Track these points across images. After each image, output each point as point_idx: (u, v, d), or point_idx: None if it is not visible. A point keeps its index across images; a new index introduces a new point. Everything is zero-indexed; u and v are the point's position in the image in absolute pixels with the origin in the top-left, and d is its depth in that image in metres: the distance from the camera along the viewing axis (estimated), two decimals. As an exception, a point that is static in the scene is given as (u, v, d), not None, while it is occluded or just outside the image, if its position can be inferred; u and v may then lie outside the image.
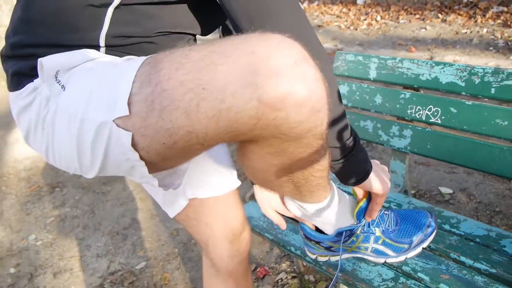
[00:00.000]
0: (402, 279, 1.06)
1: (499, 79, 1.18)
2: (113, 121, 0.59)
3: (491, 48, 3.52)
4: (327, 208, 0.94)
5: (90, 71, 0.66)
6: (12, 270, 2.20)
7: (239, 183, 1.06)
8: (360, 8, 5.72)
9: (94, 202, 2.63)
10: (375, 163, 0.95)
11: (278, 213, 1.07)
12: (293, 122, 0.53)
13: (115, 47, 0.72)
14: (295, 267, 1.81)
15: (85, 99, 0.63)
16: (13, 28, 0.73)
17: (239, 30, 0.66)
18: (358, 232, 1.03)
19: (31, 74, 0.70)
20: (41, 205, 2.73)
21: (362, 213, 1.01)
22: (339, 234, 1.02)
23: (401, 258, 1.08)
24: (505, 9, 4.24)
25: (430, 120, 1.33)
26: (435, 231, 1.10)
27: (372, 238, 1.05)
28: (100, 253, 2.18)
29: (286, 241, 1.28)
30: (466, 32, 3.99)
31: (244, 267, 1.13)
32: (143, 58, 0.62)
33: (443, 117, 1.30)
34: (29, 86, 0.70)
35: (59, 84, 0.65)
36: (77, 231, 2.39)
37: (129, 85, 0.58)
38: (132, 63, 0.61)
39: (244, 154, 0.68)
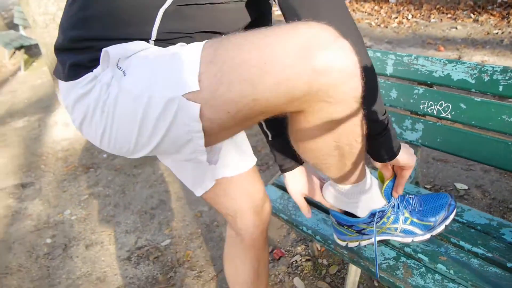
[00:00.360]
0: (403, 259, 1.15)
1: (507, 77, 1.25)
2: (183, 96, 0.70)
3: (522, 50, 3.51)
4: (364, 189, 1.04)
5: (147, 58, 0.76)
6: (48, 241, 2.38)
7: (256, 160, 1.16)
8: (392, 6, 5.72)
9: (125, 183, 2.79)
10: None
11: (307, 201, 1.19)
12: (337, 85, 0.68)
13: (162, 41, 0.83)
14: (309, 250, 1.91)
15: (149, 80, 0.73)
16: (71, 24, 0.81)
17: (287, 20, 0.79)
18: (389, 213, 1.12)
19: (89, 65, 0.79)
20: (76, 183, 2.91)
21: (389, 192, 1.10)
22: (372, 215, 1.10)
23: (427, 236, 1.15)
24: (540, 10, 4.20)
25: (441, 115, 1.40)
26: (455, 209, 1.18)
27: (401, 218, 1.13)
28: (129, 229, 2.33)
29: (299, 221, 1.38)
30: (497, 33, 3.97)
31: (264, 237, 1.24)
32: (201, 43, 0.73)
33: (453, 112, 1.37)
34: (88, 76, 0.78)
35: (121, 70, 0.75)
36: (108, 208, 2.55)
37: (197, 64, 0.70)
38: (191, 48, 0.73)
39: (296, 128, 0.80)
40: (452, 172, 2.20)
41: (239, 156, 1.11)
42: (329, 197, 1.09)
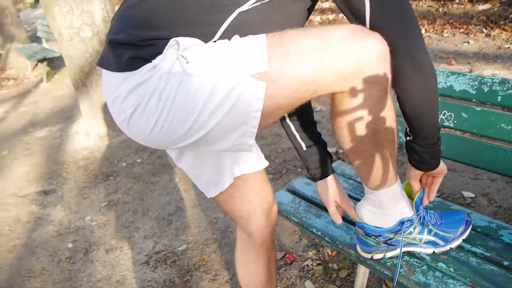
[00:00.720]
0: (406, 257, 1.23)
1: (505, 88, 1.32)
2: (252, 76, 0.83)
3: (533, 63, 3.56)
4: (397, 195, 1.14)
5: (210, 47, 0.86)
6: (70, 245, 2.49)
7: (267, 163, 1.25)
8: (405, 20, 5.80)
9: (144, 190, 2.90)
10: None
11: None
12: (377, 66, 0.86)
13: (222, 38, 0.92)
14: (320, 255, 1.99)
15: (215, 66, 0.83)
16: (136, 24, 0.88)
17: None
18: (416, 224, 1.20)
19: (148, 58, 0.85)
20: (97, 191, 3.03)
21: (419, 204, 1.18)
22: (400, 223, 1.18)
23: (447, 247, 1.23)
24: (552, 25, 4.25)
25: (444, 124, 1.48)
26: (471, 225, 1.26)
27: (426, 230, 1.21)
28: (147, 235, 2.43)
29: (309, 224, 1.46)
30: (508, 47, 4.03)
31: (272, 238, 1.33)
32: (261, 34, 0.87)
33: (455, 121, 1.45)
34: (147, 66, 0.85)
35: (185, 59, 0.83)
36: (127, 215, 2.66)
37: (264, 49, 0.84)
38: (254, 37, 0.86)
39: (340, 110, 0.95)
40: (460, 181, 2.26)
41: (256, 155, 1.20)
42: (364, 213, 1.19)
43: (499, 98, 1.34)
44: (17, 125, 4.91)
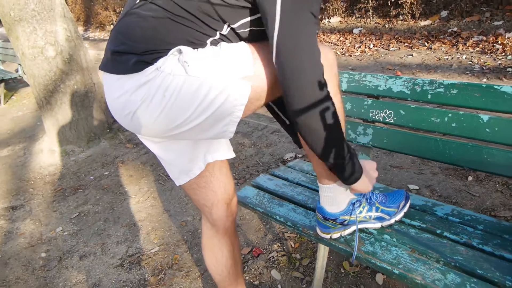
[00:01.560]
0: (357, 233, 1.43)
1: (433, 88, 1.57)
2: (241, 78, 1.09)
3: (468, 72, 3.92)
4: (342, 185, 1.35)
5: (206, 54, 1.08)
6: (43, 255, 2.56)
7: (234, 154, 1.44)
8: (355, 37, 6.17)
9: (113, 200, 3.01)
10: (365, 165, 1.36)
11: None
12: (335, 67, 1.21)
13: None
14: (284, 247, 2.17)
15: (211, 68, 1.06)
16: (142, 38, 1.06)
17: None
18: (364, 203, 1.41)
19: (151, 62, 1.05)
20: (66, 203, 3.11)
21: None
22: (351, 204, 1.39)
23: (392, 221, 1.45)
24: (484, 38, 4.67)
25: (386, 121, 1.71)
26: (410, 200, 1.50)
27: (373, 208, 1.43)
28: (120, 240, 2.54)
29: (273, 212, 1.65)
30: (447, 58, 4.41)
31: (233, 226, 1.50)
32: (244, 43, 1.13)
33: (395, 118, 1.68)
34: (151, 68, 1.05)
35: (187, 63, 1.04)
36: (99, 223, 2.76)
37: (249, 57, 1.11)
38: (240, 46, 1.12)
39: None
40: (406, 176, 2.52)
41: (226, 145, 1.38)
42: (322, 201, 1.40)
43: (429, 96, 1.58)
44: (-23, 146, 4.88)
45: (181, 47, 1.06)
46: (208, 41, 1.12)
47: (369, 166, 1.38)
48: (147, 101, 1.07)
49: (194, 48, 1.08)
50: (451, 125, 1.53)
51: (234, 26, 1.12)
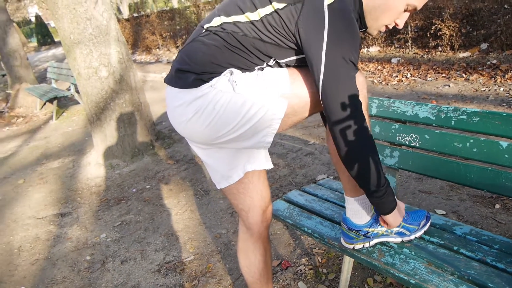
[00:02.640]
0: (378, 246, 1.54)
1: (457, 115, 1.68)
2: (279, 96, 1.29)
3: (504, 104, 3.96)
4: (367, 201, 1.50)
5: (252, 76, 1.30)
6: (88, 258, 2.77)
7: (272, 165, 1.59)
8: (393, 66, 6.27)
9: (154, 211, 3.21)
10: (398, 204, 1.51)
11: None
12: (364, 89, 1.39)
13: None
14: (312, 262, 2.29)
15: (255, 87, 1.27)
16: (201, 63, 1.29)
17: None
18: None
19: (207, 80, 1.27)
20: (110, 213, 3.33)
21: None
22: (375, 218, 1.53)
23: (412, 237, 1.56)
24: (524, 71, 4.69)
25: (412, 144, 1.83)
26: (430, 219, 1.61)
27: None
28: (158, 248, 2.72)
29: (301, 224, 1.78)
30: (484, 90, 4.45)
31: (267, 233, 1.64)
32: (283, 68, 1.34)
33: (420, 142, 1.80)
34: (206, 85, 1.27)
35: (235, 83, 1.25)
36: (139, 232, 2.95)
37: (287, 78, 1.31)
38: (279, 70, 1.33)
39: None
40: (434, 200, 2.59)
41: (265, 157, 1.54)
42: (347, 213, 1.55)
43: (452, 123, 1.69)
44: (30, 158, 5.24)
45: (232, 69, 1.28)
46: (256, 68, 1.34)
47: (400, 204, 1.54)
48: (200, 112, 1.29)
49: (243, 72, 1.30)
50: (472, 150, 1.63)
51: (279, 61, 1.34)
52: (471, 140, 1.64)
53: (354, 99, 1.25)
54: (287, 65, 1.37)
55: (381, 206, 1.43)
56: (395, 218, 1.49)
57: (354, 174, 1.33)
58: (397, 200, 1.52)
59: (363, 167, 1.31)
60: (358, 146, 1.28)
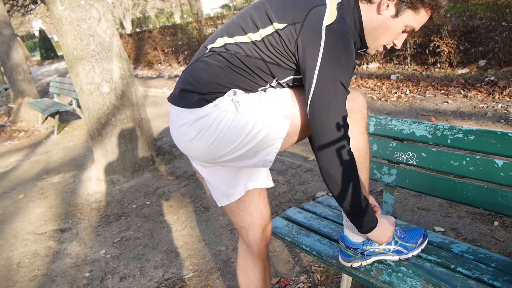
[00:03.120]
0: (375, 264, 1.55)
1: (453, 133, 1.70)
2: (282, 116, 1.33)
3: (502, 120, 3.98)
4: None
5: (254, 97, 1.33)
6: (87, 274, 2.77)
7: (273, 184, 1.60)
8: (392, 82, 6.31)
9: (153, 228, 3.21)
10: (383, 220, 1.52)
11: None
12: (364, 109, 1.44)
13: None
14: (311, 279, 2.28)
15: (258, 108, 1.31)
16: (205, 83, 1.32)
17: None
18: None
19: (211, 100, 1.31)
20: (110, 229, 3.33)
21: None
22: None
23: (409, 255, 1.56)
24: (522, 87, 4.73)
25: (409, 162, 1.84)
26: (427, 238, 1.61)
27: (393, 241, 1.56)
28: (157, 265, 2.72)
29: (300, 242, 1.79)
30: (483, 107, 4.48)
31: (267, 251, 1.65)
32: (283, 89, 1.38)
33: (417, 160, 1.82)
34: (209, 105, 1.30)
35: (238, 103, 1.28)
36: (139, 248, 2.96)
37: (289, 98, 1.35)
38: (281, 90, 1.37)
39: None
40: (433, 218, 2.60)
41: (266, 176, 1.55)
42: (345, 231, 1.55)
43: (449, 141, 1.71)
44: (31, 172, 5.26)
45: (236, 89, 1.32)
46: (259, 89, 1.37)
47: (387, 221, 1.54)
48: (203, 131, 1.32)
49: (246, 93, 1.34)
50: (469, 168, 1.65)
51: (281, 81, 1.37)
52: (467, 158, 1.66)
53: (340, 119, 1.26)
54: (288, 85, 1.40)
55: (357, 225, 1.44)
56: (379, 236, 1.49)
57: (331, 189, 1.35)
58: (384, 217, 1.54)
59: (339, 185, 1.32)
60: (337, 165, 1.29)
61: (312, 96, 1.24)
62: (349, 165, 1.30)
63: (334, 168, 1.28)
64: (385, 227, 1.51)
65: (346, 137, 1.28)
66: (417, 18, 1.34)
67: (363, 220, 1.42)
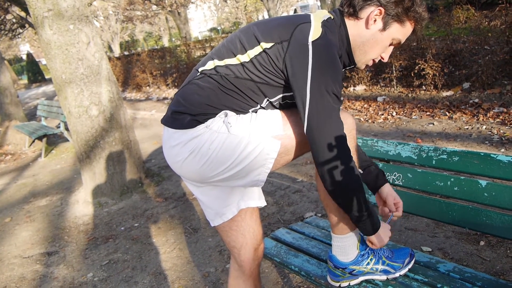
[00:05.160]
0: (363, 283, 1.57)
1: (437, 154, 1.74)
2: (273, 137, 1.36)
3: (487, 142, 4.06)
4: (353, 240, 1.55)
5: (245, 118, 1.36)
6: (74, 298, 2.73)
7: (265, 203, 1.62)
8: (379, 104, 6.41)
9: (142, 250, 3.19)
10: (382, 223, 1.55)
11: None
12: (353, 130, 1.48)
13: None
14: (300, 301, 2.28)
15: (249, 129, 1.34)
16: (197, 104, 1.36)
17: None
18: (371, 256, 1.57)
19: (202, 121, 1.34)
20: (97, 251, 3.30)
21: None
22: (360, 256, 1.55)
23: (397, 274, 1.59)
24: (505, 110, 4.82)
25: (395, 183, 1.88)
26: (414, 258, 1.64)
27: (380, 261, 1.58)
28: (146, 287, 2.69)
29: (289, 262, 1.80)
30: (467, 128, 4.56)
31: (258, 271, 1.66)
32: (273, 110, 1.41)
33: (403, 180, 1.85)
34: (201, 126, 1.34)
35: (229, 124, 1.32)
36: (127, 271, 2.93)
37: (280, 119, 1.38)
38: (272, 112, 1.40)
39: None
40: (420, 238, 2.62)
41: (258, 194, 1.57)
42: (333, 251, 1.58)
43: (433, 162, 1.76)
44: (17, 196, 5.20)
45: (227, 111, 1.35)
46: (250, 110, 1.41)
47: (385, 226, 1.57)
48: (195, 151, 1.35)
49: (237, 114, 1.37)
50: (453, 188, 1.69)
51: (271, 100, 1.41)
52: (452, 179, 1.70)
53: (339, 129, 1.31)
54: (280, 104, 1.44)
55: (363, 228, 1.47)
56: (379, 239, 1.52)
57: (338, 202, 1.40)
58: (382, 222, 1.57)
59: (345, 197, 1.38)
60: (342, 176, 1.32)
61: (309, 110, 1.28)
62: (353, 173, 1.35)
63: (339, 178, 1.33)
64: (385, 229, 1.56)
65: (346, 145, 1.33)
66: (403, 31, 1.43)
67: (371, 221, 1.46)
